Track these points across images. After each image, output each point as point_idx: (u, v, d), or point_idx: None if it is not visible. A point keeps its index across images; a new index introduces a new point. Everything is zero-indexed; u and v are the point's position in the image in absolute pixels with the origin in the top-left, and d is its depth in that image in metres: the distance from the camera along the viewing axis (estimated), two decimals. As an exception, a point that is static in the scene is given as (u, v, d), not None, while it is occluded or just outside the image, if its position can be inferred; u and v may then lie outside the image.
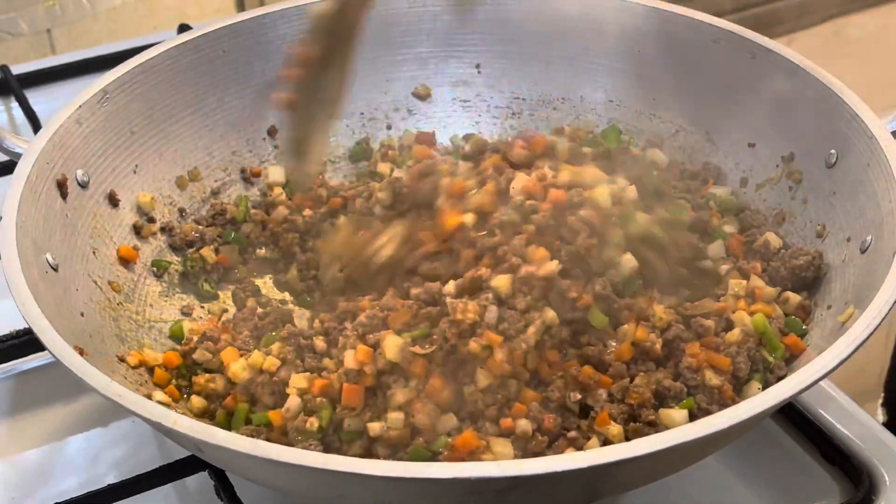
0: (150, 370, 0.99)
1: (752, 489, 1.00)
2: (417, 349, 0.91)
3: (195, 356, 1.00)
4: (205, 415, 0.97)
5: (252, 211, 1.17)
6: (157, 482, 0.97)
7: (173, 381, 0.99)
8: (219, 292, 1.13)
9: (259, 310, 1.08)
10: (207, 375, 0.99)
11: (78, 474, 1.02)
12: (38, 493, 1.00)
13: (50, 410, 1.08)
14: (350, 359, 0.91)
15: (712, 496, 0.99)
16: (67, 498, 0.94)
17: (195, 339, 1.02)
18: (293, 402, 0.92)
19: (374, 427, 0.89)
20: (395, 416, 0.89)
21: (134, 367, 0.98)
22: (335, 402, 0.91)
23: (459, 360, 0.91)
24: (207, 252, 1.13)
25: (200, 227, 1.15)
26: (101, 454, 1.04)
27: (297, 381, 0.93)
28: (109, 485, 0.96)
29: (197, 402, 0.97)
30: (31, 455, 1.04)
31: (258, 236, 1.17)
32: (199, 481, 0.98)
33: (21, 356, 1.11)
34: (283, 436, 0.92)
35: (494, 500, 0.79)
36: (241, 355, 0.99)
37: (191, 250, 1.13)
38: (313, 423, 0.90)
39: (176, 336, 1.05)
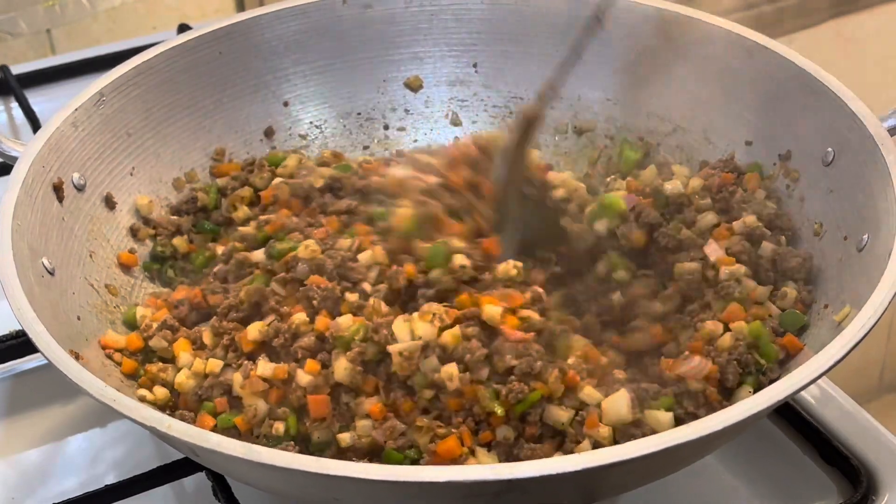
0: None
1: (751, 489, 1.00)
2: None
3: (151, 343, 1.00)
4: (167, 407, 0.96)
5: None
6: (154, 483, 0.97)
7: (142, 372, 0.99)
8: (183, 279, 1.11)
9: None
10: (160, 364, 0.98)
11: (76, 475, 1.02)
12: (36, 493, 1.00)
13: (48, 411, 1.08)
14: (303, 377, 0.91)
15: (711, 496, 0.99)
16: (66, 498, 0.95)
17: (155, 325, 1.01)
18: (260, 407, 0.91)
19: (345, 438, 0.89)
20: (364, 424, 0.89)
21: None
22: (298, 411, 0.91)
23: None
24: (179, 241, 1.12)
25: (175, 217, 1.14)
26: (99, 455, 1.04)
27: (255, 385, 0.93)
28: (108, 485, 0.96)
29: (160, 393, 0.96)
30: (29, 455, 1.05)
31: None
32: (196, 482, 0.98)
33: (19, 357, 1.11)
34: (254, 439, 0.91)
35: (491, 503, 0.80)
36: (194, 346, 0.99)
37: (161, 238, 1.12)
38: (279, 427, 0.90)
39: (129, 322, 1.04)
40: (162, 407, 0.95)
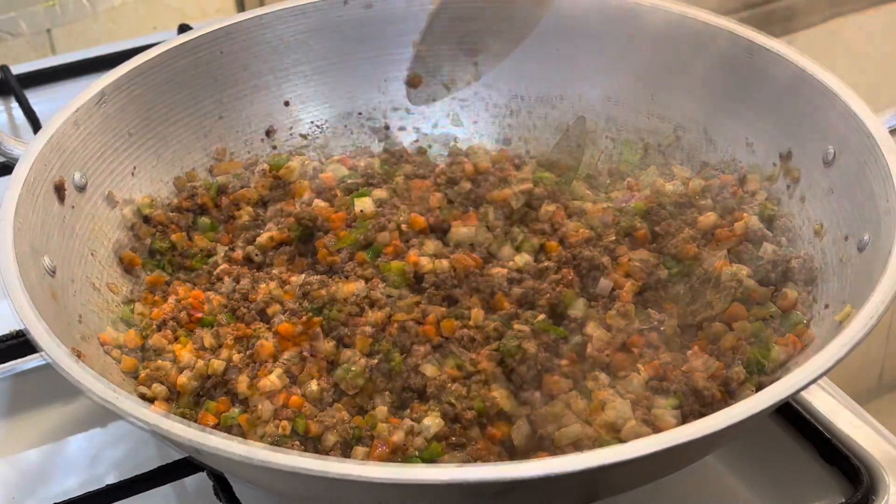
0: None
1: (752, 489, 1.00)
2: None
3: (151, 342, 1.00)
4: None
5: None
6: (155, 482, 0.97)
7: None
8: (178, 275, 1.11)
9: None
10: (159, 362, 0.98)
11: (77, 474, 1.02)
12: (37, 493, 1.00)
13: (49, 410, 1.08)
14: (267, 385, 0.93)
15: (712, 496, 0.99)
16: (66, 498, 0.95)
17: (154, 324, 1.01)
18: (266, 407, 0.92)
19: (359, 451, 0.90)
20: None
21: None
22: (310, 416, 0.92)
23: None
24: (177, 237, 1.12)
25: (174, 213, 1.14)
26: (100, 454, 1.04)
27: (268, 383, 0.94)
28: (108, 485, 0.96)
29: (159, 390, 0.96)
30: (30, 455, 1.05)
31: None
32: (197, 482, 0.98)
33: (19, 357, 1.11)
34: (258, 438, 0.91)
35: (492, 502, 0.80)
36: (194, 346, 0.99)
37: (159, 233, 1.12)
38: (286, 426, 0.90)
39: (126, 318, 1.04)
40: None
